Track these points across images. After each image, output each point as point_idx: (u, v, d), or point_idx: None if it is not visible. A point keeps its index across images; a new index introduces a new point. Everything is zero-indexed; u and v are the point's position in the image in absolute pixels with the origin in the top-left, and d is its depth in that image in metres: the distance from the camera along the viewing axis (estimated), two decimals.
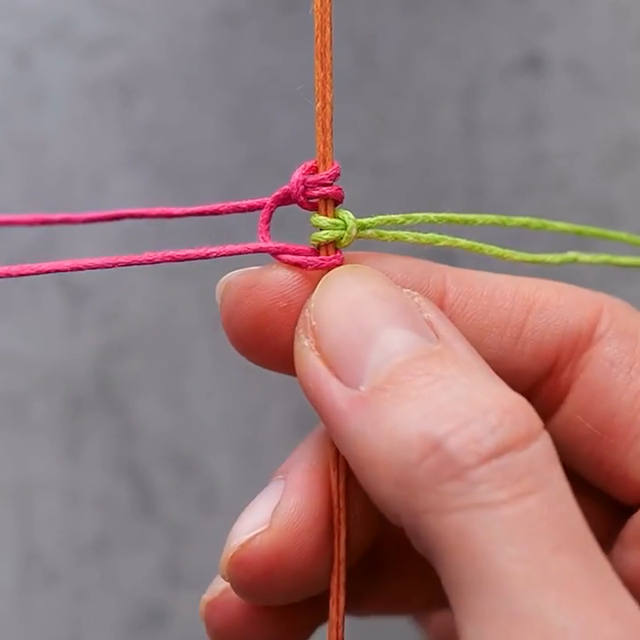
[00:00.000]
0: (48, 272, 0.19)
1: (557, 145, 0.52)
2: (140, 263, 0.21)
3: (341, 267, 0.25)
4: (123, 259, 0.20)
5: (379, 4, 0.53)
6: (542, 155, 0.52)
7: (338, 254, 0.25)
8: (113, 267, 0.20)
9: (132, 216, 0.25)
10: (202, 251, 0.22)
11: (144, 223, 0.50)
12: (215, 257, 0.22)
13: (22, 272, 0.19)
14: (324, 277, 0.25)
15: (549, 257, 0.29)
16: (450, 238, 0.26)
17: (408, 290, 0.25)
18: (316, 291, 0.25)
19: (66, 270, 0.19)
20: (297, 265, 0.25)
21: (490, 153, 0.52)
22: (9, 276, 0.19)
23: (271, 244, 0.24)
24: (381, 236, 0.25)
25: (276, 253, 0.24)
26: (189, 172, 0.52)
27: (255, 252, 0.24)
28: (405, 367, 0.23)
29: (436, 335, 0.24)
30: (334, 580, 0.25)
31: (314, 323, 0.24)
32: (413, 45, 0.52)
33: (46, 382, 0.52)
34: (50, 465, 0.52)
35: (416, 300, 0.25)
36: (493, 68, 0.52)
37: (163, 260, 0.21)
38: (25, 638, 0.53)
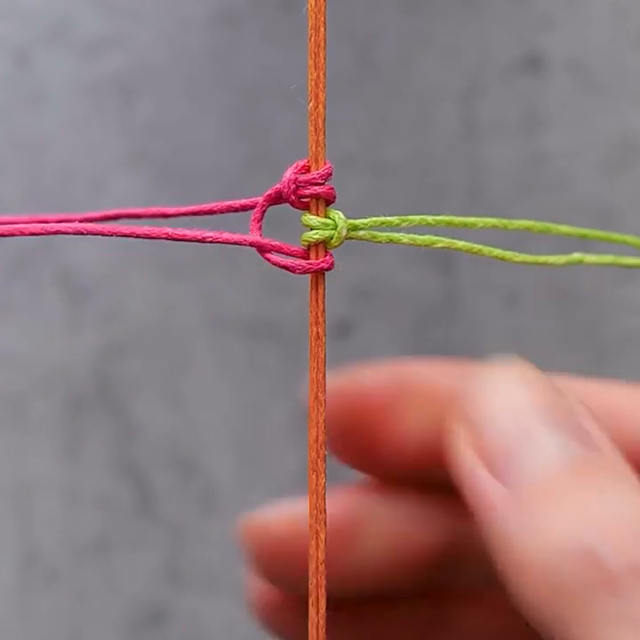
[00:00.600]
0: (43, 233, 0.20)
1: (557, 145, 0.52)
2: (138, 236, 0.22)
3: (503, 366, 0.26)
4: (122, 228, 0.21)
5: (379, 4, 0.53)
6: (542, 155, 0.52)
7: (327, 257, 0.25)
8: (110, 235, 0.21)
9: (128, 216, 0.26)
10: (198, 233, 0.23)
11: (144, 223, 0.50)
12: (211, 242, 0.23)
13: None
14: (481, 374, 0.25)
15: (553, 258, 0.29)
16: (447, 240, 0.25)
17: (569, 395, 0.26)
18: (473, 388, 0.25)
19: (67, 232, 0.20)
20: (284, 267, 0.24)
21: (490, 153, 0.52)
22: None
23: (266, 240, 0.24)
24: (374, 237, 0.25)
25: (265, 250, 0.24)
26: (189, 172, 0.52)
27: (251, 244, 0.24)
28: (562, 474, 0.23)
29: (594, 443, 0.24)
30: (313, 582, 0.25)
31: (472, 423, 0.25)
32: (413, 45, 0.52)
33: (46, 382, 0.52)
34: (50, 465, 0.52)
35: (576, 406, 0.25)
36: (493, 68, 0.52)
37: (159, 237, 0.22)
38: (25, 638, 0.53)
